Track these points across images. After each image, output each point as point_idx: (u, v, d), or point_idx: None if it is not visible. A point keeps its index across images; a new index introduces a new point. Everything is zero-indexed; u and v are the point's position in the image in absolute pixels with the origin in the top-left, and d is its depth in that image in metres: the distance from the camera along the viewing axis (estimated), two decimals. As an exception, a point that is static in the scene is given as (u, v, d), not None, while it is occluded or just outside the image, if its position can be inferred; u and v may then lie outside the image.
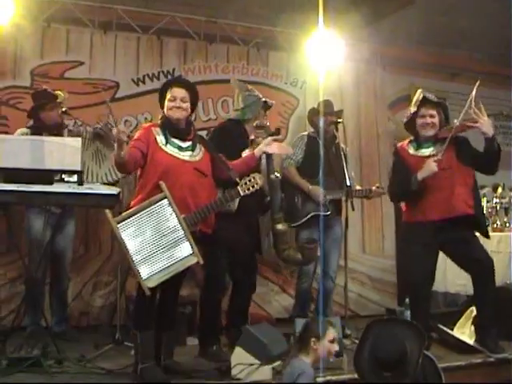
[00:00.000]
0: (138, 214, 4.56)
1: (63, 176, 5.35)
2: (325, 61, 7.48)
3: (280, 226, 5.69)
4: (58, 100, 6.11)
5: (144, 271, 4.52)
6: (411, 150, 5.79)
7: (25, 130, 6.03)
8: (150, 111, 7.05)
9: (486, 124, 5.44)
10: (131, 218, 4.55)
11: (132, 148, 4.70)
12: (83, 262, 6.93)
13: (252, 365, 4.76)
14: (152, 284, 4.53)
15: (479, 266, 5.62)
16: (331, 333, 4.41)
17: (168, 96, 4.94)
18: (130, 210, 4.59)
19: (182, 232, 4.65)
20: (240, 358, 4.82)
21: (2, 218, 6.04)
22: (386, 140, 8.32)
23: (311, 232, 6.36)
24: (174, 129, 4.94)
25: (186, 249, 4.67)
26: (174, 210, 4.63)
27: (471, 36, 8.94)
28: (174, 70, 7.49)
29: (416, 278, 5.73)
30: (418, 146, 5.77)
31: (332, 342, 4.40)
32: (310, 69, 7.82)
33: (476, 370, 5.39)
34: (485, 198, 7.37)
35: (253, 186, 4.96)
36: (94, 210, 6.86)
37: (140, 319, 4.84)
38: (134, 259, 4.50)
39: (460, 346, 5.66)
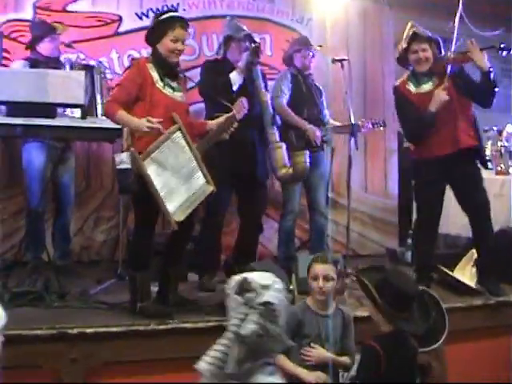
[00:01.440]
0: (159, 149, 4.53)
1: (65, 110, 5.35)
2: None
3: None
4: (58, 32, 6.03)
5: (170, 206, 4.49)
6: (411, 88, 5.71)
7: (22, 62, 5.91)
8: (153, 46, 6.97)
9: (480, 58, 5.38)
10: (154, 154, 4.50)
11: (126, 95, 4.64)
12: (85, 197, 6.92)
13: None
14: (179, 218, 4.51)
15: (477, 206, 5.62)
16: (315, 269, 4.23)
17: (170, 35, 4.77)
18: (151, 146, 4.49)
19: (196, 162, 4.67)
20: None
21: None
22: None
23: None
24: (168, 69, 4.85)
25: (201, 178, 4.71)
26: (187, 141, 4.64)
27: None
28: (178, 4, 7.36)
29: (422, 215, 5.76)
30: (418, 83, 5.70)
31: (316, 278, 4.20)
32: (317, 6, 7.71)
33: (475, 311, 5.44)
34: (489, 141, 7.35)
35: (243, 108, 5.09)
36: (95, 145, 6.85)
37: (138, 260, 4.83)
38: (161, 196, 4.47)
39: (460, 288, 5.68)
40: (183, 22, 4.88)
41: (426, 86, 5.65)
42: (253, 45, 5.79)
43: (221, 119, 5.07)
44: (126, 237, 6.31)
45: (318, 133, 6.26)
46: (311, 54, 6.49)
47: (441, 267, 5.95)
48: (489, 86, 5.43)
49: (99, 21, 7.04)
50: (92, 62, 6.28)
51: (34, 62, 5.84)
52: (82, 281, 5.75)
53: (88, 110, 5.51)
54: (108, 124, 5.07)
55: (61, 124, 5.10)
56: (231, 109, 5.10)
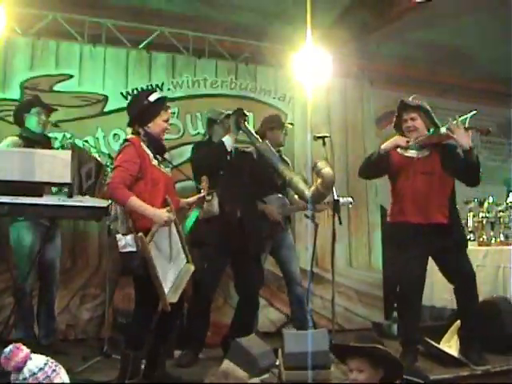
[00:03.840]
0: (158, 233, 4.56)
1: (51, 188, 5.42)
2: (312, 76, 7.52)
3: None
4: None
5: (165, 288, 4.52)
6: (399, 150, 5.80)
7: (16, 138, 5.96)
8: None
9: (462, 136, 5.45)
10: (154, 238, 4.54)
11: (129, 176, 4.66)
12: (70, 275, 6.90)
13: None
14: (173, 299, 4.55)
15: (463, 277, 5.66)
16: None
17: (163, 115, 4.92)
18: (153, 230, 4.50)
19: (181, 242, 4.74)
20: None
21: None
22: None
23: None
24: (160, 147, 4.97)
25: (183, 258, 4.81)
26: (175, 223, 4.73)
27: (462, 53, 9.08)
28: (162, 84, 7.52)
29: (402, 279, 5.77)
30: (406, 148, 5.78)
31: None
32: (298, 84, 7.85)
33: (463, 382, 5.41)
34: (471, 213, 7.44)
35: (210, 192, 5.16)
36: (81, 223, 6.89)
37: (137, 340, 4.81)
38: (160, 279, 4.47)
39: (446, 359, 5.66)
40: (166, 103, 5.04)
41: (413, 152, 5.74)
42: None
43: (192, 198, 5.15)
44: (112, 315, 6.30)
45: (275, 212, 6.43)
46: (284, 131, 6.62)
47: (427, 339, 5.95)
48: (471, 163, 5.48)
49: (85, 100, 7.16)
50: (78, 142, 6.36)
51: (25, 139, 5.92)
52: (67, 359, 5.69)
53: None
54: (94, 203, 5.13)
55: (47, 203, 5.14)
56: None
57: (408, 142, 5.67)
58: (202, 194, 5.11)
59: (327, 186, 5.64)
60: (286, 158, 6.80)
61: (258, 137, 5.89)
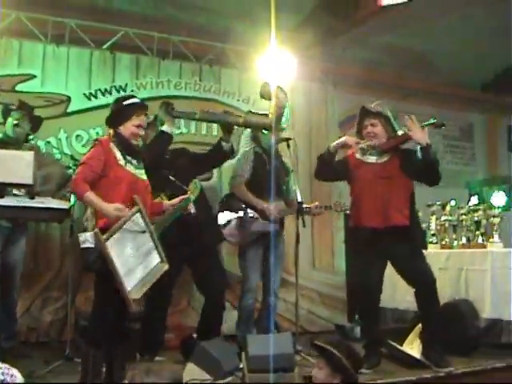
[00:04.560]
0: (120, 230, 4.57)
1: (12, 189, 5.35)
2: (276, 79, 7.51)
3: None
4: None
5: (128, 285, 4.51)
6: (357, 155, 5.84)
7: None
8: (101, 126, 7.00)
9: (419, 133, 5.51)
10: (116, 235, 4.54)
11: (92, 172, 4.66)
12: (32, 278, 6.82)
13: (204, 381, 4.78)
14: (136, 296, 4.53)
15: (422, 281, 5.68)
16: None
17: (134, 120, 4.91)
18: (114, 227, 4.51)
19: (153, 241, 4.74)
20: (192, 374, 4.82)
21: None
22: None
23: (257, 249, 6.41)
24: (130, 148, 4.96)
25: (156, 257, 4.77)
26: (146, 222, 4.71)
27: (426, 58, 9.16)
28: (126, 85, 7.50)
29: (361, 282, 5.80)
30: (365, 153, 5.80)
31: None
32: (262, 86, 7.84)
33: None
34: (434, 216, 7.49)
35: (197, 190, 5.40)
36: (44, 225, 6.82)
37: (96, 337, 4.79)
38: (120, 275, 4.48)
39: (410, 362, 5.69)
40: (146, 109, 5.04)
41: (371, 158, 5.78)
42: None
43: (176, 200, 5.20)
44: (74, 317, 6.25)
45: (274, 210, 6.34)
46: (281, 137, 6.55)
47: (390, 342, 5.99)
48: (429, 160, 5.52)
49: (48, 101, 7.11)
50: (40, 143, 6.30)
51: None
52: (29, 362, 5.65)
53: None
54: (56, 204, 5.08)
55: (8, 204, 5.09)
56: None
57: (358, 142, 5.70)
58: (185, 196, 5.21)
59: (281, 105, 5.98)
60: (287, 164, 6.66)
61: (191, 111, 5.96)
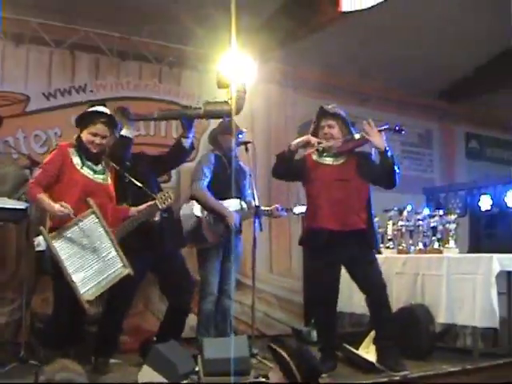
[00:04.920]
0: (71, 230, 4.61)
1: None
2: (236, 81, 7.52)
3: None
4: None
5: (81, 286, 4.52)
6: (314, 157, 5.88)
7: None
8: (60, 126, 7.00)
9: (377, 137, 5.55)
10: (65, 235, 4.57)
11: (47, 176, 4.78)
12: (-13, 279, 6.75)
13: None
14: (89, 297, 4.60)
15: (373, 287, 5.74)
16: None
17: (91, 129, 5.04)
18: (63, 227, 4.60)
19: (111, 244, 4.78)
20: (147, 377, 4.82)
21: None
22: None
23: (218, 253, 6.43)
24: (87, 153, 5.04)
25: (117, 261, 4.82)
26: (102, 225, 4.78)
27: (385, 64, 9.23)
28: (85, 85, 7.43)
29: (316, 286, 5.86)
30: (321, 155, 5.84)
31: None
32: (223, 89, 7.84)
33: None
34: (391, 221, 7.55)
35: (168, 200, 5.28)
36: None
37: (53, 338, 4.78)
38: (70, 275, 4.48)
39: (364, 365, 5.74)
40: (107, 119, 5.09)
41: (327, 159, 5.82)
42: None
43: (142, 207, 5.28)
44: (30, 319, 6.19)
45: (237, 219, 6.35)
46: (240, 136, 6.60)
47: (346, 345, 6.02)
48: (387, 164, 5.57)
49: (6, 100, 7.01)
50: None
51: None
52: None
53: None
54: (12, 204, 5.04)
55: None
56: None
57: (320, 142, 5.72)
58: (151, 203, 5.29)
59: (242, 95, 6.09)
60: (244, 167, 6.78)
61: (148, 113, 6.10)
